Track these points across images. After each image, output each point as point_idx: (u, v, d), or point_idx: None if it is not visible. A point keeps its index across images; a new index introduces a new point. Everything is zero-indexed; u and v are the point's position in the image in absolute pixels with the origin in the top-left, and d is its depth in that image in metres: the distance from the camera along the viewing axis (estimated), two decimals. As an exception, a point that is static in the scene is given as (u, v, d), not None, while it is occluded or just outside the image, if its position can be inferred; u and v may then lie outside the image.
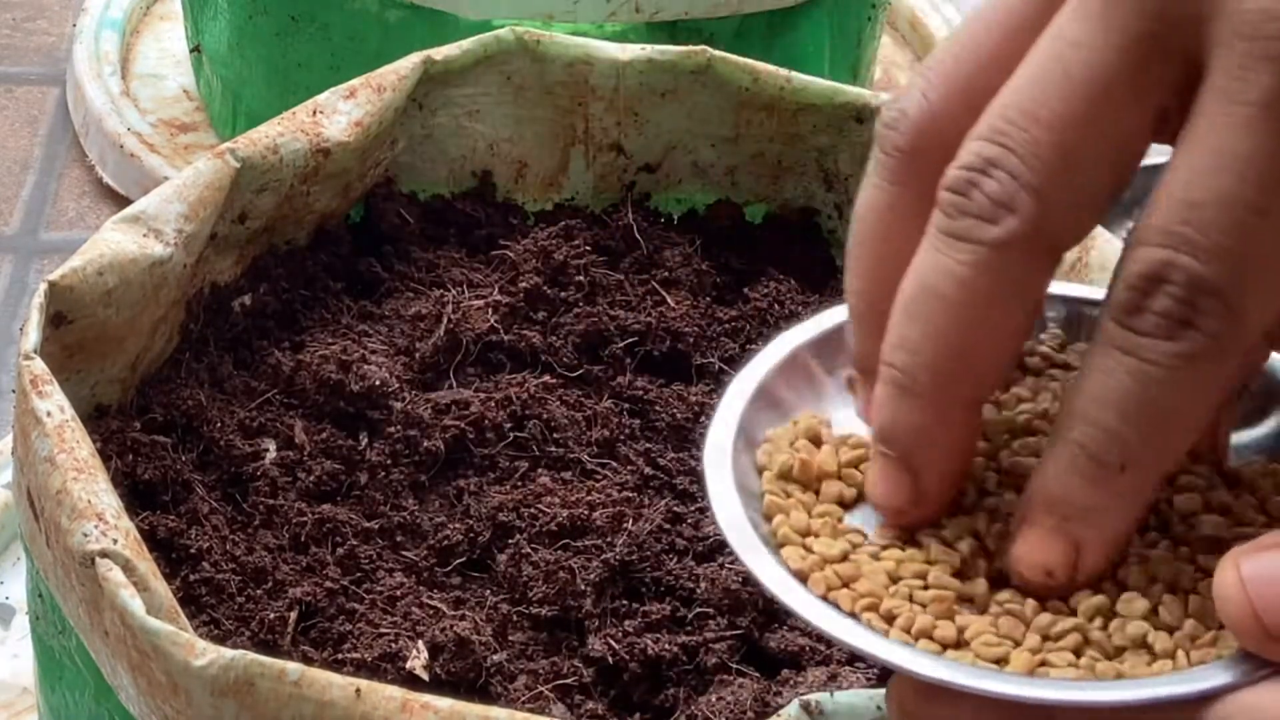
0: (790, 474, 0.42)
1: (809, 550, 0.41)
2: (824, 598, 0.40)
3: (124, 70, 1.12)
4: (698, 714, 0.50)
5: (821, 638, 0.53)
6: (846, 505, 0.42)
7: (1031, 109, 0.37)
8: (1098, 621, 0.39)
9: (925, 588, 0.40)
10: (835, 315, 0.45)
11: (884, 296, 0.39)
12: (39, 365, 0.52)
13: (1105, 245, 0.61)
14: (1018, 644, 0.39)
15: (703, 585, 0.54)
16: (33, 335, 0.53)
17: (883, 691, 0.45)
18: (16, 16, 1.21)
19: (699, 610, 0.53)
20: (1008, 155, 0.37)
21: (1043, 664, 0.38)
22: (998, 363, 0.39)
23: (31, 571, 0.54)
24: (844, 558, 0.40)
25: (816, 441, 0.43)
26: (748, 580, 0.50)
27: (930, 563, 0.40)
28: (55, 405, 0.52)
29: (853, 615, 0.39)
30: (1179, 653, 0.38)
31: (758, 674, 0.52)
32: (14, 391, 0.54)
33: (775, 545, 0.41)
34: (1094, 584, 0.39)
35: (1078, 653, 0.39)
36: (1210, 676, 0.37)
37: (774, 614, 0.53)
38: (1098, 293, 0.43)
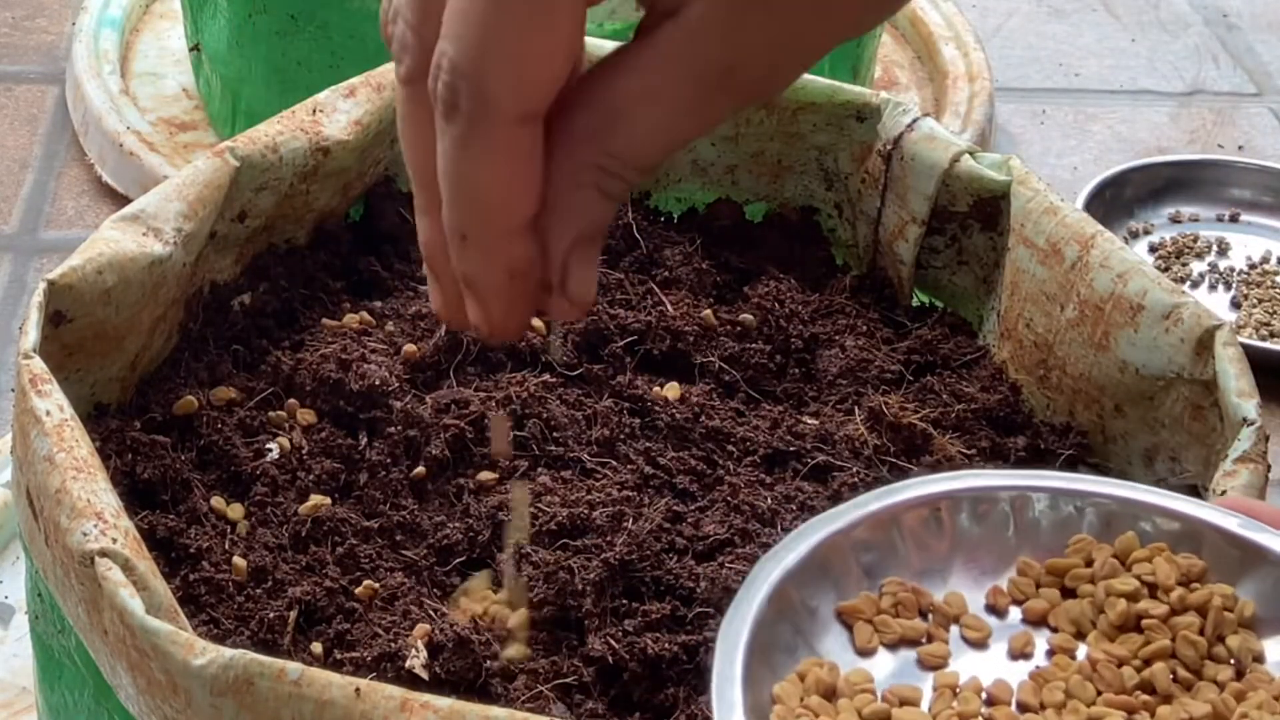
0: None
1: None
2: None
3: (123, 69, 1.12)
4: (698, 714, 0.50)
5: None
6: None
7: None
8: None
9: None
10: (805, 536, 0.43)
11: (429, 184, 0.43)
12: (38, 364, 0.52)
13: (1105, 243, 0.61)
14: None
15: (703, 585, 0.54)
16: (32, 334, 0.53)
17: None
18: (16, 15, 1.21)
19: (699, 610, 0.53)
20: (405, 4, 0.42)
21: None
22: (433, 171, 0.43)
23: (31, 571, 0.54)
24: None
25: (829, 695, 0.42)
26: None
27: None
28: (54, 404, 0.51)
29: None
30: None
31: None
32: (13, 390, 0.54)
33: None
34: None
35: None
36: None
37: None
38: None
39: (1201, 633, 0.42)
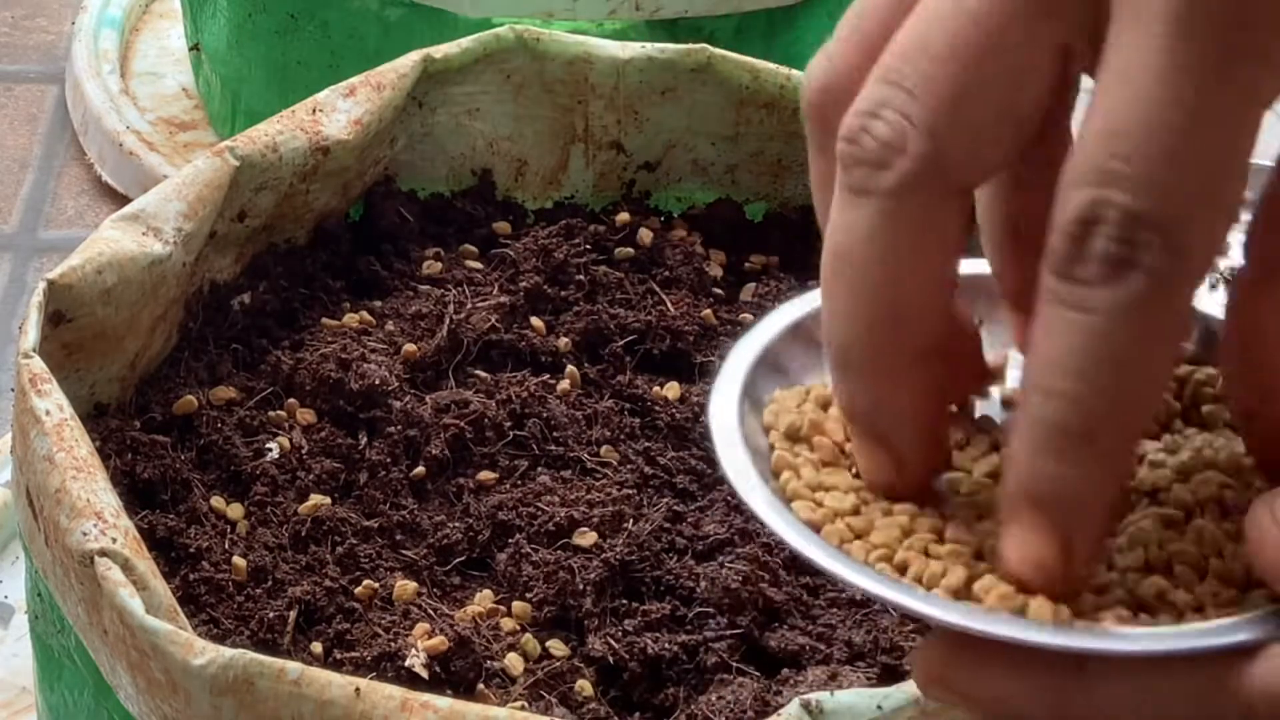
0: (798, 434, 0.41)
1: (819, 504, 0.40)
2: (839, 549, 0.39)
3: (123, 68, 1.12)
4: (698, 713, 0.50)
5: (821, 636, 0.53)
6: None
7: (922, 43, 0.35)
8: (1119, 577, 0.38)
9: (940, 541, 0.39)
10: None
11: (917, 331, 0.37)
12: (38, 364, 0.52)
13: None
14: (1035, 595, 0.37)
15: (703, 584, 0.53)
16: (32, 334, 0.53)
17: (883, 691, 0.45)
18: (16, 14, 1.21)
19: (699, 610, 0.53)
20: (897, 92, 0.35)
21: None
22: (928, 314, 0.36)
23: (30, 570, 0.54)
24: (856, 511, 0.40)
25: (825, 406, 0.42)
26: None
27: (945, 518, 0.39)
28: (54, 404, 0.51)
29: (866, 566, 0.39)
30: (1207, 610, 0.36)
31: (758, 673, 0.52)
32: (13, 390, 0.53)
33: (785, 500, 0.40)
34: (1092, 568, 0.38)
35: (1101, 606, 0.37)
36: (1250, 629, 0.36)
37: (774, 613, 0.53)
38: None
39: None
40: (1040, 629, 0.36)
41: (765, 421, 0.42)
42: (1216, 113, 0.33)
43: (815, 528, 0.39)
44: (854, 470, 0.41)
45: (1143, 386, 0.34)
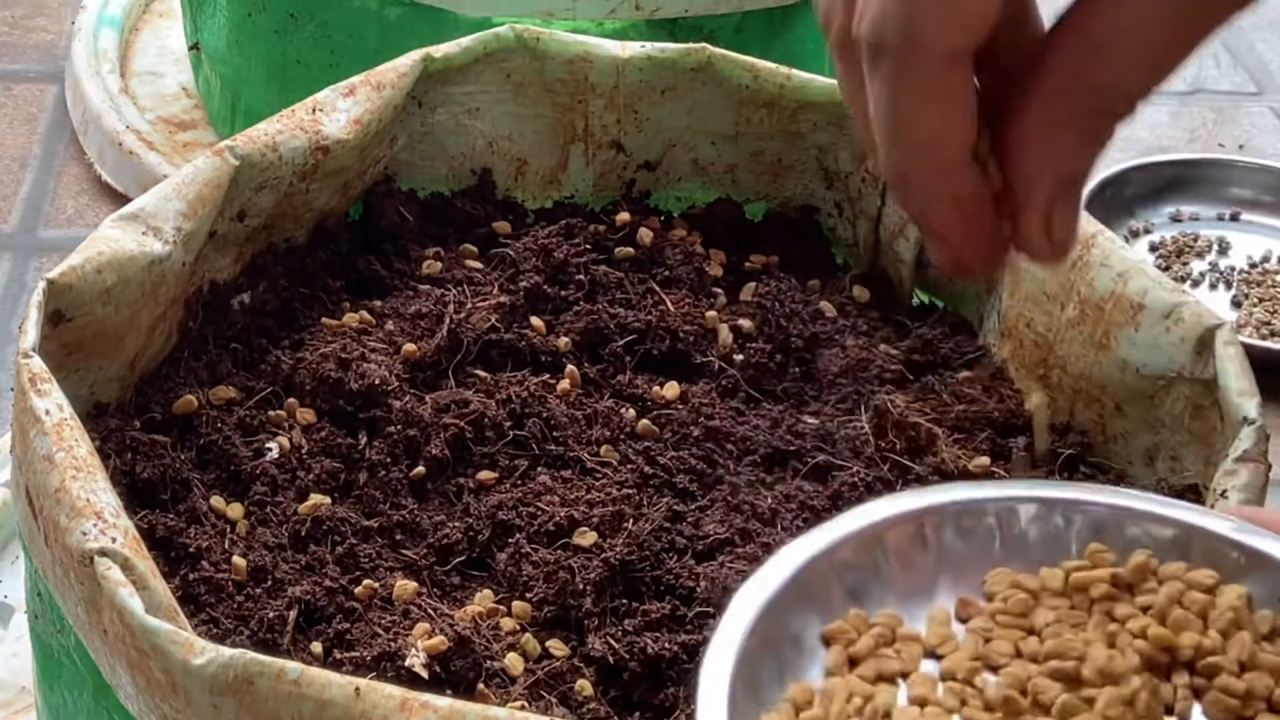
0: None
1: None
2: None
3: (123, 68, 1.12)
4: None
5: None
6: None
7: None
8: None
9: None
10: (786, 561, 0.42)
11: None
12: (37, 363, 0.52)
13: (1106, 243, 0.61)
14: None
15: (703, 584, 0.53)
16: (31, 333, 0.53)
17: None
18: (15, 14, 1.21)
19: (699, 610, 0.53)
20: None
21: None
22: (954, 136, 0.43)
23: (30, 570, 0.54)
24: None
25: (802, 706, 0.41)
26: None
27: None
28: (54, 403, 0.51)
29: None
30: None
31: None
32: (13, 390, 0.53)
33: None
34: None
35: None
36: None
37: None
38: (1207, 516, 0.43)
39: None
40: None
41: None
42: None
43: None
44: None
45: (919, 135, 0.42)
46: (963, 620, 0.42)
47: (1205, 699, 0.40)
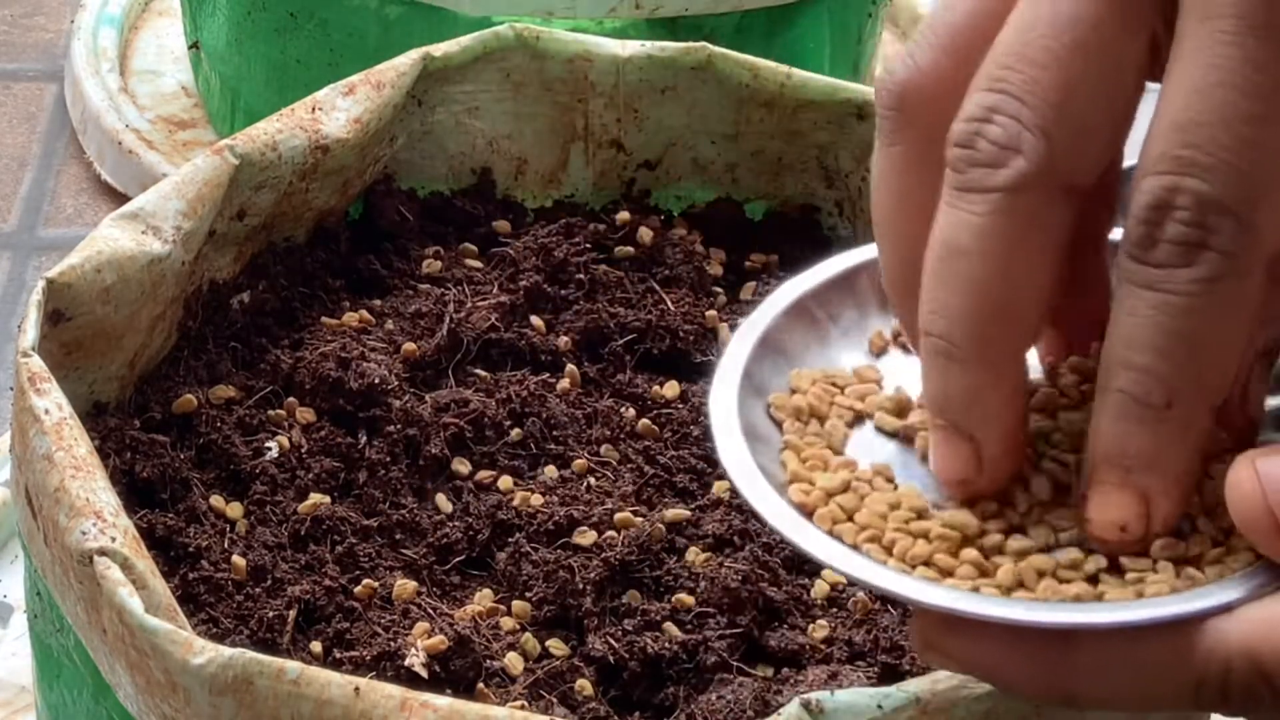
0: (809, 414, 0.41)
1: (813, 485, 0.40)
2: (829, 533, 0.39)
3: (122, 67, 1.12)
4: (698, 713, 0.50)
5: (826, 639, 0.53)
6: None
7: (1023, 50, 0.37)
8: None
9: (923, 518, 0.39)
10: (837, 264, 0.44)
11: (913, 263, 0.39)
12: (37, 363, 0.52)
13: (1106, 243, 0.61)
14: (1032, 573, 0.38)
15: (703, 584, 0.53)
16: (31, 332, 0.53)
17: (883, 691, 0.45)
18: (15, 13, 1.21)
19: (699, 609, 0.53)
20: (1007, 99, 0.37)
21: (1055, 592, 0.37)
22: (1033, 310, 0.38)
23: (30, 569, 0.54)
24: (846, 488, 0.40)
25: (840, 387, 0.42)
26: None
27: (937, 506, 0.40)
28: (53, 403, 0.51)
29: (854, 547, 0.39)
30: (1183, 573, 0.37)
31: (758, 673, 0.52)
32: (12, 389, 0.53)
33: (785, 483, 0.40)
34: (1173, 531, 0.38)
35: (1091, 581, 0.38)
36: (1224, 591, 0.36)
37: (774, 612, 0.53)
38: None
39: None
40: (1018, 606, 0.37)
41: (775, 402, 0.42)
42: None
43: (809, 511, 0.39)
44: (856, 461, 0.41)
45: (1215, 360, 0.36)
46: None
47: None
